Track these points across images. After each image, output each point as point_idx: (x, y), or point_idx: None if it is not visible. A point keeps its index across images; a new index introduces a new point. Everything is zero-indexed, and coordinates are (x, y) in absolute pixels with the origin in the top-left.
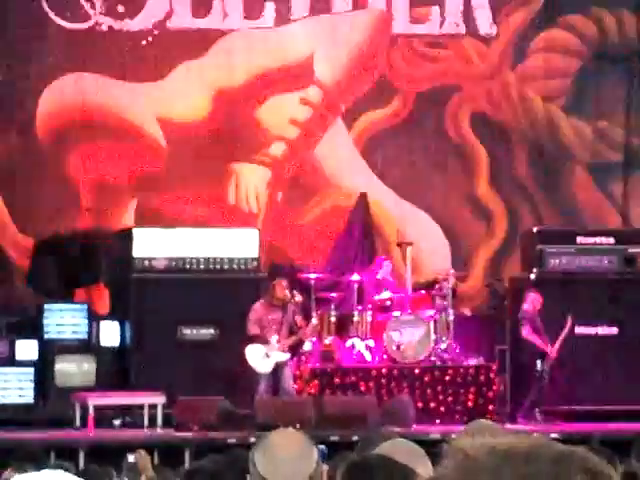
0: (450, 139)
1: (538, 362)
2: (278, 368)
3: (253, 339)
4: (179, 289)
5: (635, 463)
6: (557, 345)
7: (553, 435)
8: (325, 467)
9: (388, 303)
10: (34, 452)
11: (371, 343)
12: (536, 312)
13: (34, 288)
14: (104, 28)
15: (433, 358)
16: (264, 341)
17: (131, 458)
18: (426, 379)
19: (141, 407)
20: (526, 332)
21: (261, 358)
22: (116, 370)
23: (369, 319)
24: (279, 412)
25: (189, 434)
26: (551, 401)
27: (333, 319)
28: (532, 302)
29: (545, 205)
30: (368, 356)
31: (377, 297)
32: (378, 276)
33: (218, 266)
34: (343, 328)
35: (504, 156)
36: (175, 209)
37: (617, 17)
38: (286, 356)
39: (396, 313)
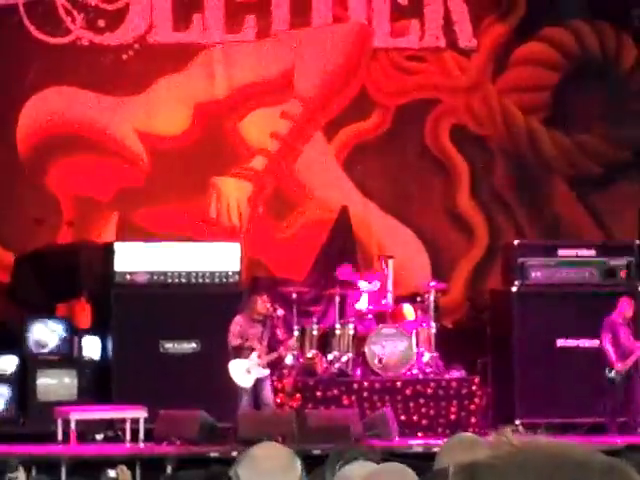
0: (431, 152)
1: (607, 371)
2: (258, 383)
3: (234, 351)
4: (161, 303)
5: None
6: (633, 357)
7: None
8: None
9: (369, 316)
10: (15, 467)
11: (353, 356)
12: (627, 319)
13: (15, 303)
14: (85, 42)
15: (415, 371)
16: (246, 355)
17: (112, 473)
18: (408, 392)
19: (123, 421)
20: (603, 341)
21: (243, 373)
22: (98, 384)
23: (351, 332)
24: (261, 426)
25: (171, 448)
26: (531, 413)
27: (315, 332)
28: (620, 309)
29: (526, 218)
30: (350, 369)
31: (357, 306)
32: (363, 288)
33: (200, 280)
34: (325, 341)
35: (485, 169)
36: (156, 223)
37: (597, 30)
38: (265, 372)
39: (378, 326)
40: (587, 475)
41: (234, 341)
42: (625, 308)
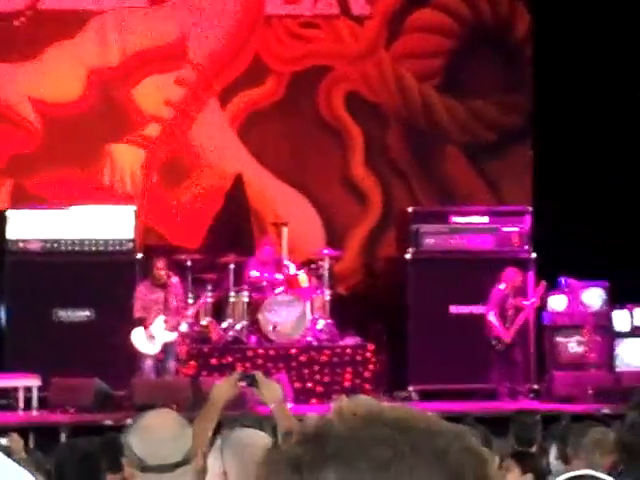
0: (324, 119)
1: (493, 341)
2: (166, 348)
3: (139, 322)
4: (54, 271)
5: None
6: (515, 326)
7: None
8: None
9: (264, 283)
10: None
11: (247, 324)
12: (514, 288)
13: None
14: None
15: (309, 338)
16: (148, 323)
17: (3, 441)
18: (302, 359)
19: (16, 390)
20: (488, 313)
21: (146, 340)
22: None
23: (245, 300)
24: (156, 393)
25: (64, 416)
26: (425, 380)
27: (210, 300)
28: (506, 280)
29: (420, 185)
30: (244, 337)
31: (252, 275)
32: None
33: (93, 248)
34: (219, 309)
35: (379, 136)
36: (50, 190)
37: None
38: (173, 335)
39: (272, 293)
40: (432, 440)
41: (136, 312)
42: (511, 278)
